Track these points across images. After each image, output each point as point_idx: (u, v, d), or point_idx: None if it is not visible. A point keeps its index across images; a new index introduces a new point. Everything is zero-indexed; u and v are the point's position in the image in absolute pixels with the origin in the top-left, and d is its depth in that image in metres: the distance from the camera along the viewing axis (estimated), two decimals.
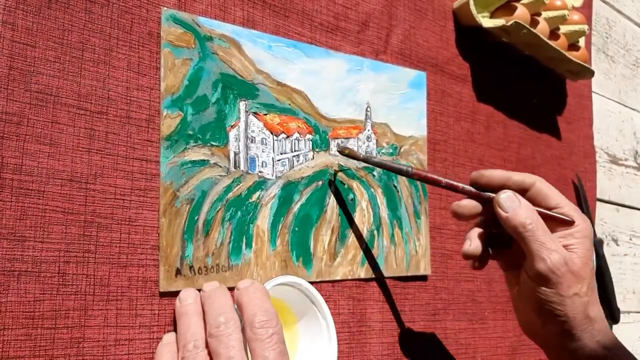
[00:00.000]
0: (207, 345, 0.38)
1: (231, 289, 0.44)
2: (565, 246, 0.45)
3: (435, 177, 0.50)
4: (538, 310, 0.46)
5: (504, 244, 0.50)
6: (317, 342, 0.47)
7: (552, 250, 0.44)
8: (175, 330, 0.42)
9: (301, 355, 0.47)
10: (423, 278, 0.61)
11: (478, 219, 0.50)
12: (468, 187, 0.49)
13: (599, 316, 0.45)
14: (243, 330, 0.38)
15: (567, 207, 0.47)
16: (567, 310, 0.44)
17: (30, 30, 0.39)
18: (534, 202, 0.47)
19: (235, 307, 0.41)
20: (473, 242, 0.49)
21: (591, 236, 0.47)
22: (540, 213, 0.46)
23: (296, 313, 0.48)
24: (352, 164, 0.56)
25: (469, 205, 0.49)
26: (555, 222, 0.46)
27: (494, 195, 0.47)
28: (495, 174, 0.48)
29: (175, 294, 0.43)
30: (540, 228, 0.45)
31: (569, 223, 0.46)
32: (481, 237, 0.49)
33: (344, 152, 0.53)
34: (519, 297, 0.49)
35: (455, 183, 0.49)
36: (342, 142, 0.56)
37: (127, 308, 0.42)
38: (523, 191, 0.48)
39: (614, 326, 0.87)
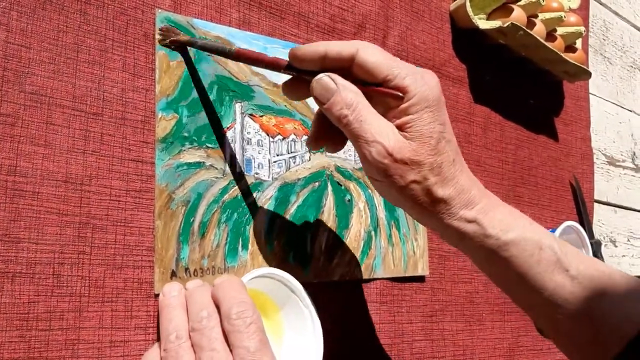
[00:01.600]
0: (189, 338, 0.38)
1: None
2: (401, 126, 0.39)
3: (258, 55, 0.42)
4: (389, 198, 0.42)
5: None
6: (302, 331, 0.47)
7: (371, 142, 0.38)
8: (157, 327, 0.42)
9: (287, 343, 0.47)
10: (421, 279, 0.61)
11: None
12: (290, 68, 0.41)
13: (458, 194, 0.39)
14: (222, 324, 0.38)
15: (398, 76, 0.38)
16: (407, 199, 0.39)
17: (24, 32, 0.39)
18: (360, 76, 0.39)
19: None
20: (311, 141, 0.44)
21: (434, 102, 0.39)
22: (365, 92, 0.39)
23: (278, 303, 0.47)
24: (348, 164, 0.56)
25: (294, 86, 0.43)
26: (387, 98, 0.39)
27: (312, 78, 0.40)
28: (309, 52, 0.39)
29: None
30: (357, 118, 0.38)
31: (397, 97, 0.38)
32: (317, 133, 0.44)
33: (166, 39, 0.46)
34: (374, 186, 0.43)
35: (277, 62, 0.41)
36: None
37: (122, 310, 0.41)
38: (347, 65, 0.39)
39: None
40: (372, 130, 0.38)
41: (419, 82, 0.38)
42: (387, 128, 0.38)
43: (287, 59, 0.41)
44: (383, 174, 0.38)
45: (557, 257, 0.40)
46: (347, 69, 0.39)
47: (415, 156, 0.38)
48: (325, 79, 0.39)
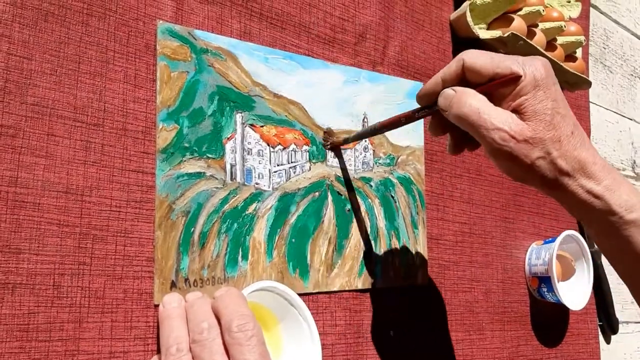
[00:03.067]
0: (190, 350, 0.38)
1: None
2: (516, 109, 0.41)
3: (394, 118, 0.49)
4: (517, 178, 0.44)
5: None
6: (301, 344, 0.47)
7: (493, 130, 0.40)
8: (157, 338, 0.42)
9: (286, 356, 0.47)
10: (421, 288, 0.61)
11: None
12: (420, 109, 0.47)
13: (581, 166, 0.41)
14: (222, 336, 0.38)
15: (504, 69, 0.41)
16: (535, 175, 0.41)
17: (26, 43, 0.40)
18: (474, 80, 0.43)
19: None
20: (451, 149, 0.49)
21: (543, 81, 0.41)
22: (480, 90, 0.42)
23: (277, 316, 0.48)
24: (349, 174, 0.56)
25: (435, 123, 0.48)
26: (502, 87, 0.42)
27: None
28: (428, 84, 0.45)
29: None
30: (475, 111, 0.41)
31: (513, 80, 0.41)
32: (453, 140, 0.49)
33: (327, 143, 0.55)
34: (502, 170, 0.45)
35: (409, 113, 0.48)
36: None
37: (122, 320, 0.41)
38: (460, 77, 0.44)
39: (613, 337, 0.87)
40: (491, 119, 0.41)
41: (526, 65, 0.41)
42: (504, 114, 0.41)
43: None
44: (509, 157, 0.41)
45: None
46: (464, 79, 0.43)
47: (536, 134, 0.40)
48: (445, 90, 0.44)
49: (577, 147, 0.41)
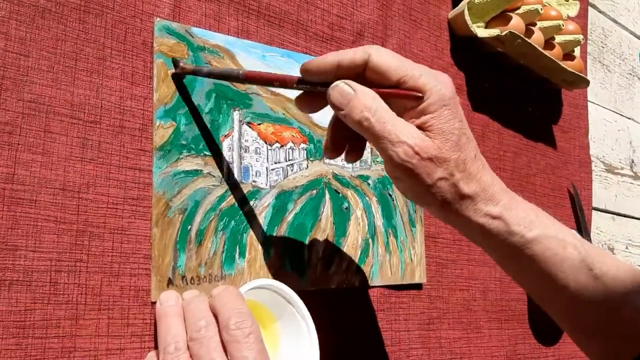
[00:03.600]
0: (188, 348, 0.38)
1: None
2: (420, 126, 0.39)
3: (267, 76, 0.42)
4: (414, 198, 0.42)
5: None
6: (298, 341, 0.47)
7: (397, 143, 0.37)
8: (154, 336, 0.42)
9: (284, 354, 0.47)
10: (418, 287, 0.61)
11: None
12: (302, 82, 0.41)
13: (482, 189, 0.40)
14: (220, 334, 0.38)
15: (413, 77, 0.38)
16: (435, 196, 0.39)
17: (23, 40, 0.40)
18: (374, 81, 0.39)
19: None
20: (329, 139, 0.45)
21: (451, 100, 0.39)
22: (382, 95, 0.39)
23: (275, 314, 0.48)
24: (346, 172, 0.56)
25: (307, 99, 0.43)
26: (405, 99, 0.39)
27: (326, 89, 0.40)
28: (321, 63, 0.40)
29: None
30: (379, 121, 0.38)
31: (416, 98, 0.38)
32: (333, 140, 0.44)
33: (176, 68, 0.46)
34: (398, 187, 0.42)
35: (287, 79, 0.41)
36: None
37: (118, 317, 0.41)
38: (360, 70, 0.40)
39: None
40: (396, 131, 0.38)
41: (434, 81, 0.39)
42: (410, 128, 0.38)
43: (297, 74, 0.41)
44: (410, 174, 0.38)
45: (581, 255, 0.41)
46: (361, 75, 0.40)
47: (440, 153, 0.38)
48: (342, 85, 0.39)
49: (480, 170, 0.40)
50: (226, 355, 0.37)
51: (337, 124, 0.43)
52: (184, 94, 0.46)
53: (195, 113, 0.47)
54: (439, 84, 0.39)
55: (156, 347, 0.42)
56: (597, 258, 0.41)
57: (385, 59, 0.39)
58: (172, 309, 0.40)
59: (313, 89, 0.41)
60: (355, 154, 0.45)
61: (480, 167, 0.40)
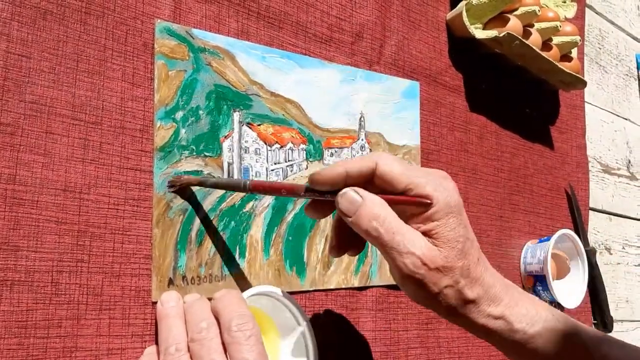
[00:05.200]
0: (188, 350, 0.38)
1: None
2: (426, 232, 0.39)
3: (274, 185, 0.43)
4: (422, 303, 0.41)
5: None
6: (297, 349, 0.47)
7: (406, 254, 0.38)
8: (155, 336, 0.43)
9: (283, 359, 0.47)
10: None
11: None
12: (310, 191, 0.41)
13: (485, 292, 0.40)
14: (221, 336, 0.38)
15: (420, 184, 0.39)
16: (441, 303, 0.40)
17: (25, 42, 0.40)
18: (382, 187, 0.40)
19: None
20: (335, 241, 0.44)
21: (456, 208, 0.39)
22: (389, 201, 0.39)
23: (275, 321, 0.48)
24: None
25: (316, 207, 0.43)
26: (412, 205, 0.39)
27: (334, 197, 0.40)
28: (330, 174, 0.40)
29: None
30: (389, 230, 0.38)
31: (424, 205, 0.39)
32: (338, 242, 0.44)
33: (176, 184, 0.45)
34: (406, 293, 0.42)
35: (295, 189, 0.41)
36: (335, 151, 0.56)
37: (119, 317, 0.42)
38: (368, 179, 0.40)
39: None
40: (405, 241, 0.38)
41: (440, 189, 0.39)
42: (417, 237, 0.39)
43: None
44: (417, 284, 0.39)
45: (585, 345, 0.42)
46: (370, 181, 0.40)
47: (447, 262, 0.38)
48: (350, 193, 0.39)
49: (482, 273, 0.40)
50: (226, 356, 0.37)
51: (342, 226, 0.43)
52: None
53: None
54: (445, 192, 0.39)
55: (144, 350, 0.43)
56: (601, 346, 0.42)
57: (392, 167, 0.39)
58: (173, 310, 0.40)
59: (321, 197, 0.41)
60: (357, 250, 0.46)
61: (482, 270, 0.41)
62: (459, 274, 0.39)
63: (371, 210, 0.38)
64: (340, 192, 0.39)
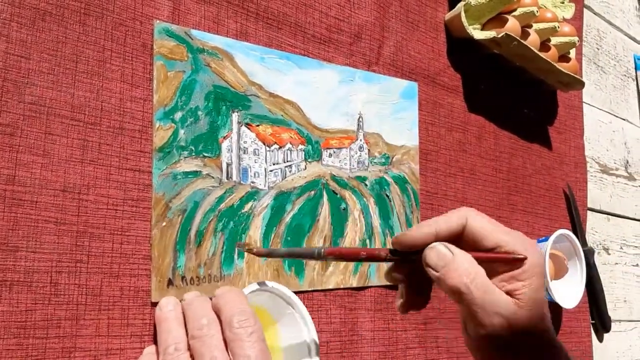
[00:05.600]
0: (189, 349, 0.38)
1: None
2: (510, 292, 0.38)
3: (352, 251, 0.43)
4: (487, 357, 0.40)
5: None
6: (299, 343, 0.47)
7: (493, 314, 0.37)
8: (154, 340, 0.43)
9: (284, 356, 0.47)
10: None
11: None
12: (395, 253, 0.40)
13: (552, 349, 0.40)
14: (223, 332, 0.38)
15: (510, 243, 0.39)
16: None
17: (24, 43, 0.40)
18: (471, 244, 0.39)
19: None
20: (405, 299, 0.42)
21: (540, 270, 0.39)
22: (478, 259, 0.38)
23: (274, 316, 0.48)
24: (344, 173, 0.57)
25: (396, 276, 0.42)
26: (499, 264, 0.39)
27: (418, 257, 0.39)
28: (419, 235, 0.39)
29: None
30: (479, 288, 0.37)
31: (516, 261, 0.38)
32: (411, 287, 0.42)
33: (244, 248, 0.47)
34: (475, 353, 0.41)
35: (376, 252, 0.40)
36: (334, 152, 0.56)
37: (118, 318, 0.42)
38: (457, 236, 0.39)
39: (606, 335, 0.88)
40: (492, 299, 0.37)
41: (530, 249, 0.38)
42: (504, 298, 0.38)
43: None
44: (496, 341, 0.38)
45: None
46: (459, 239, 0.39)
47: (530, 323, 0.38)
48: (440, 248, 0.38)
49: (551, 332, 0.40)
50: (228, 353, 0.37)
51: (417, 282, 0.41)
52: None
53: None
54: (534, 253, 0.39)
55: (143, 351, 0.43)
56: None
57: (483, 223, 0.39)
58: (171, 314, 0.41)
59: (406, 259, 0.40)
60: (421, 306, 0.43)
61: (550, 328, 0.40)
62: (539, 338, 0.39)
63: (461, 266, 0.37)
64: (430, 246, 0.38)
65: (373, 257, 0.40)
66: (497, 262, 0.38)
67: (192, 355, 0.38)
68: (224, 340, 0.38)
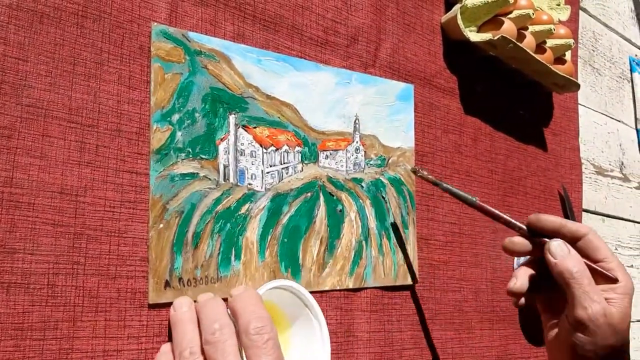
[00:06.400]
0: (202, 352, 0.39)
1: (225, 300, 0.44)
2: (606, 299, 0.47)
3: (497, 212, 0.54)
4: (572, 357, 0.48)
5: (549, 287, 0.52)
6: (311, 344, 0.48)
7: (594, 301, 0.46)
8: (169, 339, 0.43)
9: (296, 355, 0.48)
10: (410, 288, 0.62)
11: (528, 257, 0.54)
12: (524, 229, 0.52)
13: None
14: (238, 337, 0.39)
15: (614, 262, 0.49)
16: (587, 354, 0.47)
17: (22, 45, 0.40)
18: (583, 252, 0.49)
19: (229, 313, 0.41)
20: (519, 281, 0.52)
21: (632, 294, 0.48)
22: (587, 265, 0.48)
23: (289, 315, 0.48)
24: (340, 175, 0.57)
25: (521, 243, 0.52)
26: (599, 276, 0.48)
27: (546, 240, 0.50)
28: (550, 221, 0.51)
29: (164, 305, 0.44)
30: (585, 277, 0.46)
31: (613, 280, 0.48)
32: (528, 276, 0.52)
33: (417, 173, 0.60)
34: (555, 341, 0.50)
35: (513, 222, 0.52)
36: (330, 154, 0.56)
37: (115, 319, 0.42)
38: (575, 240, 0.50)
39: None
40: (597, 291, 0.46)
41: (626, 273, 0.49)
42: (601, 295, 0.47)
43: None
44: (591, 330, 0.46)
45: None
46: (573, 244, 0.49)
47: (619, 326, 0.46)
48: (562, 243, 0.49)
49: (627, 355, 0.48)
50: (241, 358, 0.38)
51: (535, 273, 0.52)
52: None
53: None
54: (629, 277, 0.49)
55: (154, 351, 0.43)
56: None
57: (598, 239, 0.50)
58: (185, 315, 0.41)
59: (534, 238, 0.51)
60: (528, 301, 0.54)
61: (628, 351, 0.48)
62: (622, 341, 0.47)
63: (575, 260, 0.48)
64: (555, 239, 0.49)
65: (509, 225, 0.53)
66: (597, 274, 0.48)
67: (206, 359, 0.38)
68: (239, 344, 0.38)
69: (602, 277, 0.48)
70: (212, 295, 0.44)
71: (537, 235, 0.51)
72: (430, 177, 0.58)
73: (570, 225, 0.50)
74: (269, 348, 0.38)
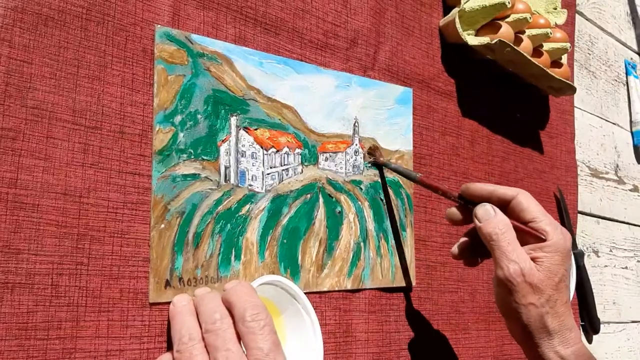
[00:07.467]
0: (201, 340, 0.39)
1: None
2: (533, 258, 0.48)
3: (435, 185, 0.56)
4: (504, 311, 0.50)
5: (487, 252, 0.53)
6: (303, 337, 0.48)
7: (512, 261, 0.47)
8: (168, 335, 0.43)
9: (289, 349, 0.48)
10: (408, 289, 0.63)
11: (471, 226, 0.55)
12: (456, 198, 0.54)
13: (561, 330, 0.47)
14: (235, 327, 0.39)
15: (543, 222, 0.49)
16: (522, 316, 0.47)
17: (26, 47, 0.40)
18: (513, 214, 0.50)
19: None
20: (456, 248, 0.56)
21: (564, 251, 0.48)
22: (514, 226, 0.49)
23: (280, 309, 0.49)
24: (339, 177, 0.58)
25: (455, 213, 0.55)
26: (530, 236, 0.49)
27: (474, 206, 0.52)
28: (479, 188, 0.52)
29: (165, 304, 0.44)
30: (505, 239, 0.48)
31: (539, 239, 0.49)
32: (464, 243, 0.55)
33: (370, 151, 0.61)
34: (496, 297, 0.51)
35: (449, 192, 0.54)
36: (330, 156, 0.57)
37: (118, 319, 0.42)
38: (504, 203, 0.51)
39: (595, 337, 0.89)
40: (514, 252, 0.47)
41: (557, 231, 0.49)
42: (524, 255, 0.48)
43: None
44: (509, 290, 0.47)
45: None
46: (504, 207, 0.51)
47: (540, 284, 0.47)
48: (488, 207, 0.50)
49: (565, 314, 0.48)
50: (240, 345, 0.38)
51: (472, 236, 0.55)
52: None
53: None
54: (560, 235, 0.48)
55: (156, 350, 0.44)
56: None
57: (527, 200, 0.50)
58: (185, 308, 0.42)
59: (466, 205, 0.53)
60: (472, 263, 0.58)
61: (567, 312, 0.48)
62: (546, 300, 0.47)
63: (498, 222, 0.49)
64: (482, 204, 0.51)
65: (447, 194, 0.55)
66: (527, 234, 0.49)
67: (206, 347, 0.39)
68: (236, 334, 0.39)
69: (532, 236, 0.49)
70: (209, 289, 0.44)
71: (470, 203, 0.53)
72: (381, 158, 0.61)
73: (499, 189, 0.51)
74: (266, 333, 0.38)
